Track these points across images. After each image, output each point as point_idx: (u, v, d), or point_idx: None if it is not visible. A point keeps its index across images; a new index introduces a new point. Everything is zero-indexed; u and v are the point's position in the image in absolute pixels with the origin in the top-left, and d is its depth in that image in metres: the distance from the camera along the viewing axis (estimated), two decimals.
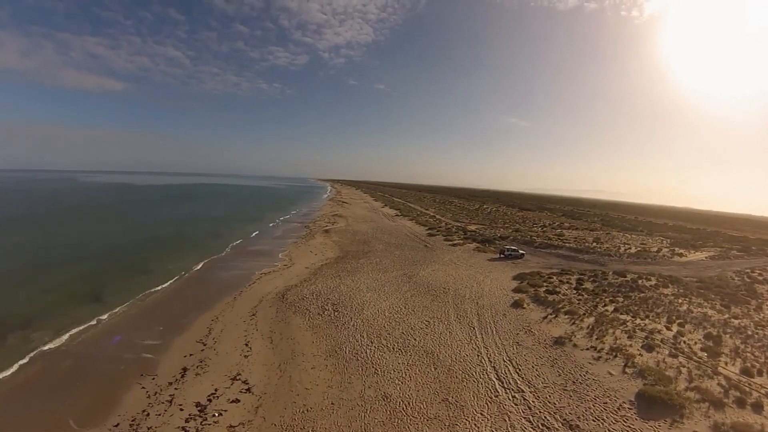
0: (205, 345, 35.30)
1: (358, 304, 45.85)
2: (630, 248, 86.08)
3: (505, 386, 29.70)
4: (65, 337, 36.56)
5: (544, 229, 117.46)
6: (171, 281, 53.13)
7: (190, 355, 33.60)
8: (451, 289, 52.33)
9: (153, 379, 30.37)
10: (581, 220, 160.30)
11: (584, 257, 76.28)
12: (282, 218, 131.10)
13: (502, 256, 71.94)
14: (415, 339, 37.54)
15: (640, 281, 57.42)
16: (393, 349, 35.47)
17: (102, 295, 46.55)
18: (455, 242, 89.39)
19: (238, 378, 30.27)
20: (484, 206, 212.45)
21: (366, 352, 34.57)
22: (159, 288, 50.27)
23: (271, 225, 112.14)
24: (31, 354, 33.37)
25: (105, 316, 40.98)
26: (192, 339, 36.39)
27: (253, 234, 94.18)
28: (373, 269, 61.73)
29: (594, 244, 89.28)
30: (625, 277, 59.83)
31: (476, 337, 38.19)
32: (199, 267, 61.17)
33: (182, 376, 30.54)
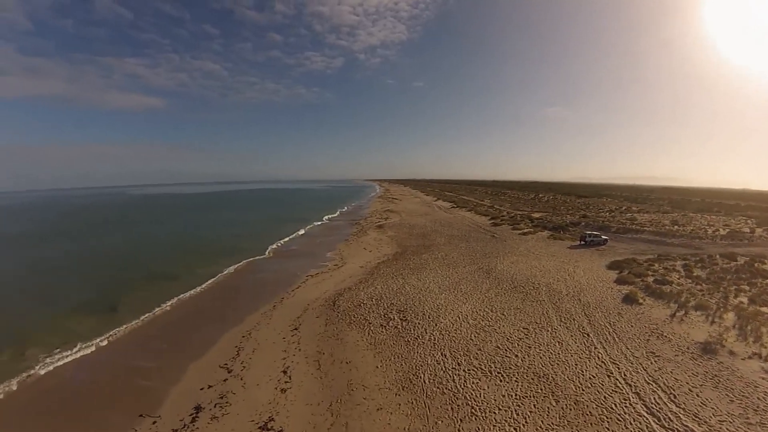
0: (229, 372, 25.69)
1: (431, 309, 34.71)
2: (717, 230, 72.09)
3: (666, 425, 19.40)
4: (60, 357, 28.83)
5: (612, 213, 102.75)
6: (198, 288, 44.74)
7: (209, 387, 24.07)
8: (541, 285, 40.71)
9: (154, 422, 21.21)
10: (647, 203, 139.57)
11: (672, 241, 64.12)
12: (329, 217, 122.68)
13: (583, 243, 62.32)
14: (516, 355, 26.27)
15: (756, 265, 46.16)
16: (490, 372, 24.31)
17: (119, 305, 38.84)
18: (525, 231, 76.79)
19: (270, 427, 20.18)
20: (540, 195, 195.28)
21: (453, 380, 23.55)
22: (183, 296, 41.93)
23: (317, 224, 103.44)
24: (15, 379, 25.68)
25: (113, 332, 32.79)
26: (213, 363, 26.95)
27: (298, 233, 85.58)
28: (441, 265, 50.25)
29: (675, 227, 76.02)
30: (736, 260, 49.00)
31: (595, 347, 27.19)
32: (232, 271, 52.53)
33: (193, 420, 21.09)
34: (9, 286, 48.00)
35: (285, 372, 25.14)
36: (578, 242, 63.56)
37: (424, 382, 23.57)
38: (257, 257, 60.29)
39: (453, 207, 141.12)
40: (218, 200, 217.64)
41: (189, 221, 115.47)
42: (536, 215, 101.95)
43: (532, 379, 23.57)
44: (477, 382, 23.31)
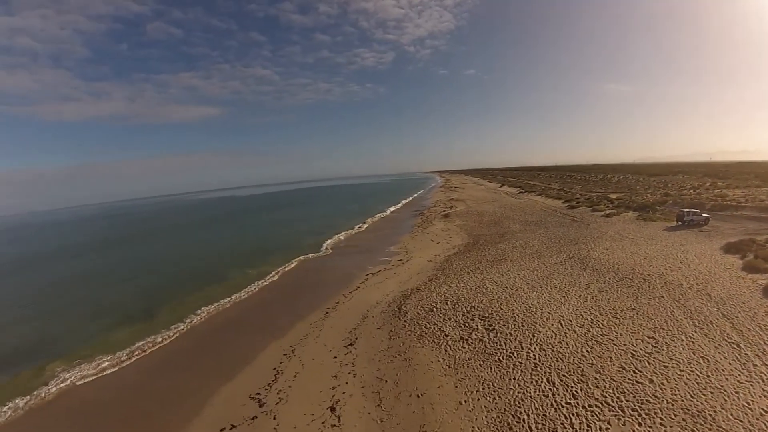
0: (261, 405, 19.46)
1: (523, 312, 26.22)
2: None
3: None
4: (78, 373, 25.12)
5: (697, 190, 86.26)
6: (244, 292, 39.73)
7: (231, 427, 17.94)
8: (653, 275, 30.94)
9: None
10: (732, 178, 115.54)
11: None
12: (391, 209, 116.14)
13: (681, 223, 52.18)
14: (650, 380, 17.76)
15: None
16: (621, 410, 16.27)
17: (158, 313, 34.78)
18: (607, 212, 65.08)
19: None
20: (608, 176, 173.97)
21: (573, 425, 15.22)
22: (227, 301, 37.14)
23: (379, 216, 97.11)
24: (23, 398, 21.85)
25: (140, 344, 28.38)
26: (244, 390, 20.93)
27: (359, 227, 79.67)
28: (523, 255, 41.02)
29: None
30: None
31: (755, 365, 18.29)
32: (283, 271, 47.29)
33: None
34: (57, 293, 46.81)
35: (333, 409, 18.32)
36: (675, 223, 52.93)
37: (530, 427, 15.57)
38: (312, 254, 54.89)
39: (520, 192, 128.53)
40: (278, 200, 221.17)
41: (249, 222, 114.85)
42: (613, 196, 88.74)
43: (684, 420, 14.88)
44: (607, 429, 14.90)
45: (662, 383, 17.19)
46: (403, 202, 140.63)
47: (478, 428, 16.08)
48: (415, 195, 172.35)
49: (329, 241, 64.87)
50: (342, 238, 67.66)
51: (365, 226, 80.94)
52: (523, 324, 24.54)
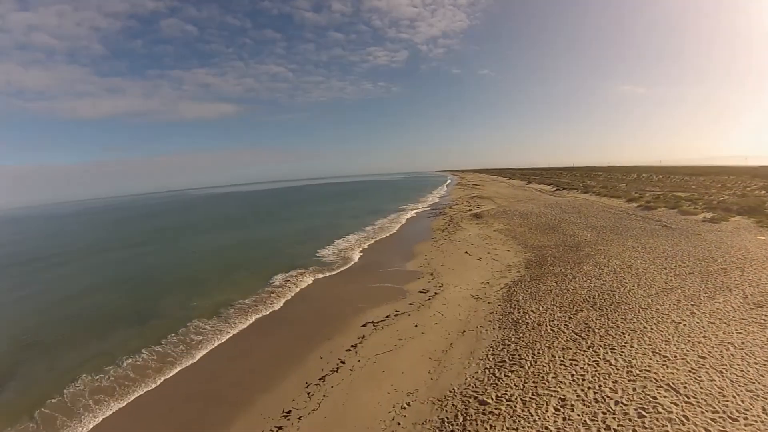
0: None
1: None
2: None
3: None
4: None
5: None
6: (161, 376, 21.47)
7: None
8: None
9: None
10: None
11: None
12: (404, 206, 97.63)
13: None
14: None
15: None
16: None
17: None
18: (706, 216, 45.10)
19: None
20: (643, 175, 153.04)
21: None
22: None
23: (390, 216, 78.15)
24: None
25: None
26: None
27: (363, 231, 61.28)
28: (651, 295, 22.15)
29: None
30: None
31: None
32: (237, 331, 29.18)
33: None
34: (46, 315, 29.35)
35: None
36: None
37: None
38: (292, 280, 36.66)
39: (557, 189, 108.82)
40: (281, 198, 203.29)
41: (235, 226, 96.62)
42: (680, 194, 69.28)
43: None
44: None
45: None
46: (420, 199, 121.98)
47: None
48: (431, 192, 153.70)
49: (325, 250, 46.74)
50: (339, 250, 49.02)
51: (370, 229, 62.33)
52: None
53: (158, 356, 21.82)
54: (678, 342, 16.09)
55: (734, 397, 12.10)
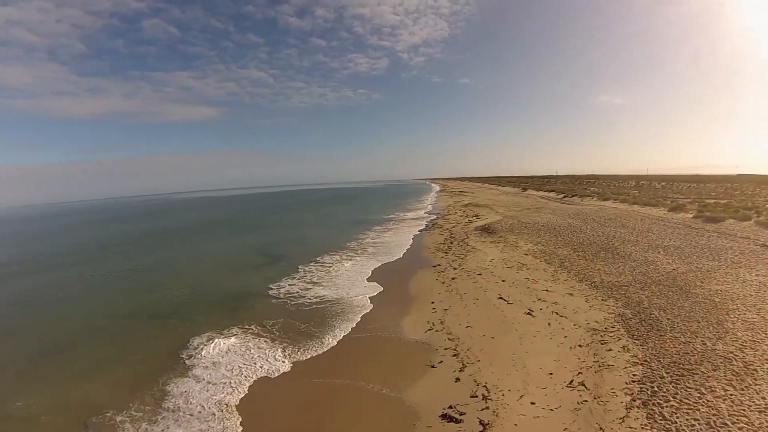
0: None
1: None
2: None
3: None
4: None
5: None
6: None
7: None
8: None
9: None
10: None
11: None
12: (389, 216, 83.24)
13: None
14: None
15: None
16: None
17: None
18: None
19: None
20: (642, 182, 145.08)
21: None
22: None
23: (375, 228, 63.68)
24: None
25: None
26: None
27: (337, 252, 46.27)
28: None
29: None
30: None
31: None
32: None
33: None
34: None
35: None
36: None
37: None
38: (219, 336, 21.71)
39: (565, 196, 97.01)
40: (264, 203, 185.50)
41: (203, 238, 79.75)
42: (723, 201, 59.12)
43: None
44: None
45: None
46: (405, 207, 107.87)
47: None
48: (416, 200, 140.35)
49: (279, 283, 31.82)
50: (299, 288, 34.01)
51: (351, 246, 47.37)
52: None
53: None
54: None
55: None
